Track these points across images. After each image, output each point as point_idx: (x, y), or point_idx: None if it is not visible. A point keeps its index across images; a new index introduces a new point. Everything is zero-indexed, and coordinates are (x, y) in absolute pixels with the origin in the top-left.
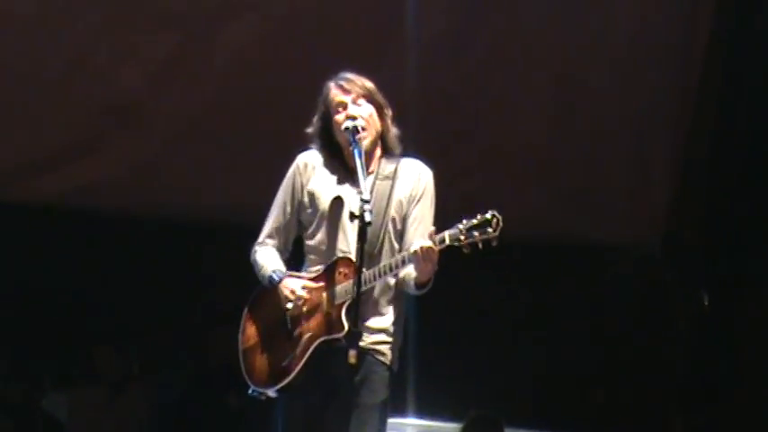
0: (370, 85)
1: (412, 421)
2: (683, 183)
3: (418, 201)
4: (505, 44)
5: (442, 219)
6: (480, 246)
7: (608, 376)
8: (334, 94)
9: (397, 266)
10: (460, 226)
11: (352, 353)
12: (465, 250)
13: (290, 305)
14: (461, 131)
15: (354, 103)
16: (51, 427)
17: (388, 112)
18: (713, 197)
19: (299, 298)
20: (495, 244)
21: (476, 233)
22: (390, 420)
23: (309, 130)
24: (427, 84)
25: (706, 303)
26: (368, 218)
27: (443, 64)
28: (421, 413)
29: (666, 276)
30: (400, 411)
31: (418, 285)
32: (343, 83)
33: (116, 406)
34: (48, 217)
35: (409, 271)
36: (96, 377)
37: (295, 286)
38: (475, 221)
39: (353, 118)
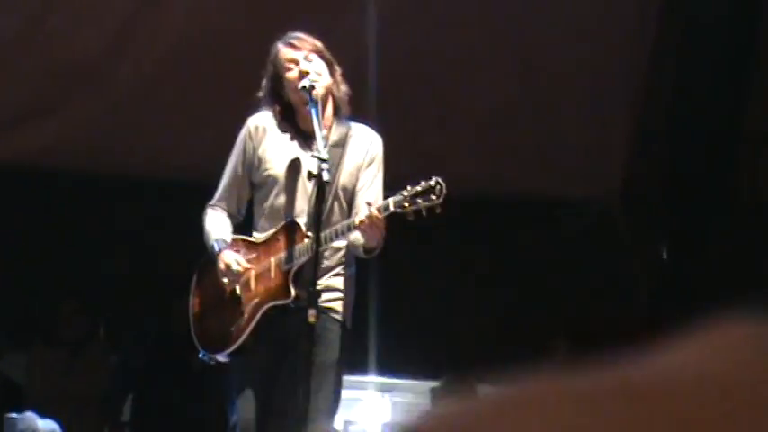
0: (319, 43)
1: (373, 378)
2: (640, 138)
3: (367, 167)
4: (464, 5)
5: (403, 180)
6: (424, 213)
7: (567, 331)
8: (285, 52)
9: (343, 232)
10: (405, 193)
11: (312, 312)
12: (409, 217)
13: (225, 279)
14: (419, 90)
15: (306, 59)
16: (9, 389)
17: (338, 69)
18: (670, 151)
19: (233, 273)
20: (438, 211)
21: (419, 200)
22: (351, 378)
23: (260, 93)
24: (385, 43)
25: (664, 257)
26: (326, 177)
27: (402, 22)
28: (381, 370)
29: (624, 231)
30: (361, 369)
31: (366, 250)
32: (293, 41)
33: (75, 367)
34: (6, 177)
35: (357, 236)
36: (56, 338)
37: (230, 260)
38: (419, 188)
39: (305, 73)
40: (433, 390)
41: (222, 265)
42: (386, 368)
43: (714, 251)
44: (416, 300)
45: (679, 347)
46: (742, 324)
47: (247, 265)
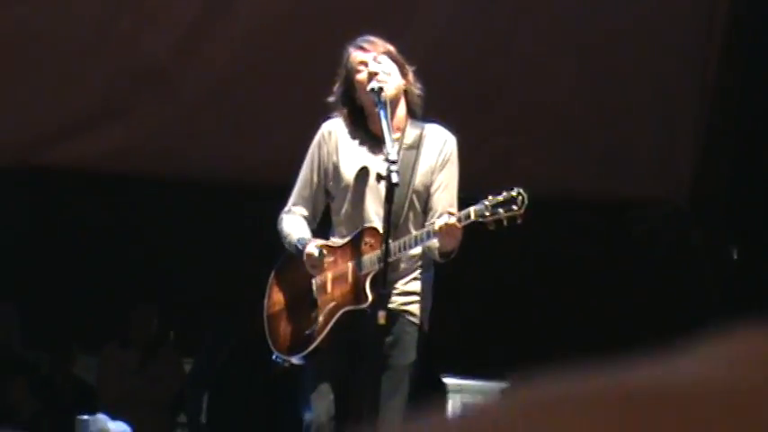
0: (389, 45)
1: (449, 381)
2: (709, 138)
3: (443, 168)
4: (531, 7)
5: (471, 182)
6: (505, 223)
7: (638, 333)
8: (355, 55)
9: (422, 239)
10: (486, 202)
11: (382, 314)
12: (490, 227)
13: (311, 268)
14: (488, 93)
15: (375, 60)
16: (81, 390)
17: (410, 69)
18: (740, 151)
19: (317, 259)
20: (519, 221)
21: (501, 210)
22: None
23: (331, 98)
24: (453, 47)
25: (734, 258)
26: (395, 179)
27: (469, 27)
28: (457, 372)
29: (694, 232)
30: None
31: (442, 255)
32: (363, 43)
33: (147, 369)
34: (76, 181)
35: (433, 240)
36: (128, 340)
37: (313, 250)
38: (500, 198)
39: (374, 74)
40: (503, 391)
41: (305, 256)
42: (461, 370)
43: None
44: (486, 301)
45: (685, 354)
46: (758, 333)
47: (334, 245)
